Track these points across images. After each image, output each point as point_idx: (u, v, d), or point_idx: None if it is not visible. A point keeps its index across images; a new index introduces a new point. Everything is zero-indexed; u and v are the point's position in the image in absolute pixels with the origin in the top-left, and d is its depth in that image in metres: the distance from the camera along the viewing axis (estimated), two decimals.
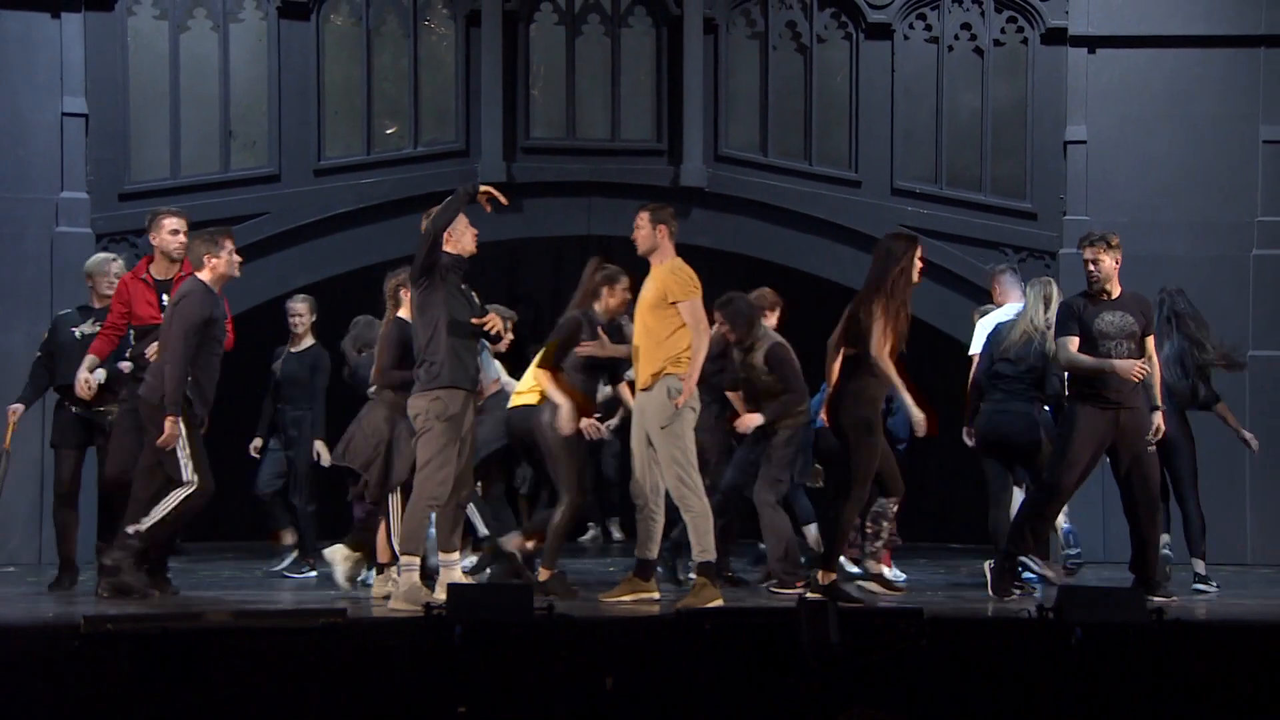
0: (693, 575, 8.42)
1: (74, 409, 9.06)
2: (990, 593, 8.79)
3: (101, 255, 9.61)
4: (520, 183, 11.64)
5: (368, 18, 11.81)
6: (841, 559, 9.01)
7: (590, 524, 12.60)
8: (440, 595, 7.50)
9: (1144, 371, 8.46)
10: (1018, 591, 8.81)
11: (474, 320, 8.13)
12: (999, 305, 9.97)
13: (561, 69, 11.92)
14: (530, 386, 9.19)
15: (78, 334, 9.14)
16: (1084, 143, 11.95)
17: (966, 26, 12.10)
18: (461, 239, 8.21)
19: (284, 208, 11.55)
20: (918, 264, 8.50)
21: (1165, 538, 9.42)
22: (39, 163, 11.20)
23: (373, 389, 9.64)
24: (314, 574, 9.99)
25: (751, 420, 9.08)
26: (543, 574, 8.69)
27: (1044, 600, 7.80)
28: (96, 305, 9.22)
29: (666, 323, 8.27)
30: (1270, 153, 11.86)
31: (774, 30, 12.04)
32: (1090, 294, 8.67)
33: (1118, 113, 11.97)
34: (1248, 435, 9.81)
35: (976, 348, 9.74)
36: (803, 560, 9.25)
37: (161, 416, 8.26)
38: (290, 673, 6.54)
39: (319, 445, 10.09)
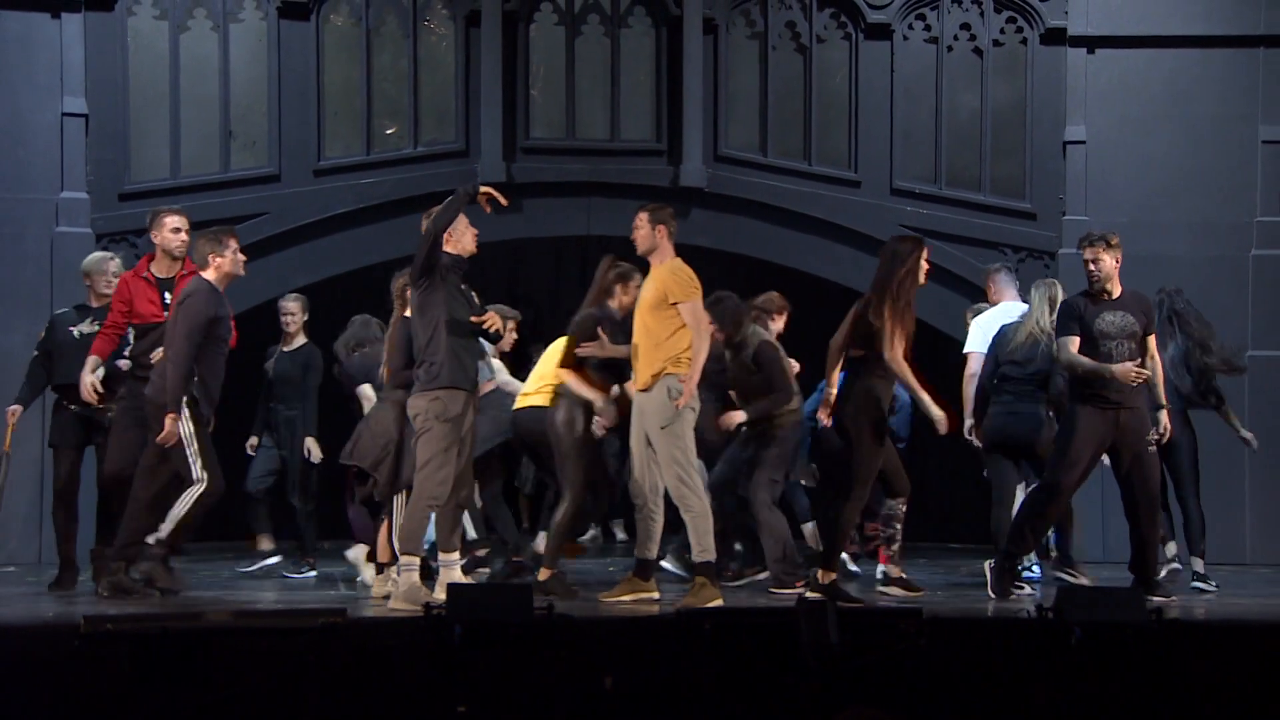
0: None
1: (73, 408, 9.05)
2: (990, 592, 8.80)
3: (99, 254, 9.58)
4: (520, 183, 11.64)
5: (367, 18, 11.82)
6: (844, 556, 9.03)
7: (590, 524, 12.61)
8: (440, 595, 7.51)
9: (1142, 376, 8.46)
10: (1018, 591, 8.82)
11: (473, 319, 8.13)
12: (993, 304, 9.98)
13: (561, 69, 11.93)
14: (539, 387, 9.22)
15: (76, 333, 9.12)
16: (1083, 143, 11.96)
17: (966, 27, 12.11)
18: (462, 239, 8.22)
19: (284, 208, 11.56)
20: (924, 265, 8.50)
21: (1172, 547, 9.42)
22: (39, 163, 11.20)
23: (363, 387, 9.67)
24: (314, 574, 9.99)
25: (734, 418, 9.08)
26: (543, 573, 8.70)
27: (1043, 600, 7.80)
28: (94, 304, 9.20)
29: (667, 323, 8.28)
30: (1269, 153, 11.87)
31: (773, 30, 12.05)
32: (1091, 294, 8.67)
33: (1117, 113, 11.97)
34: (1248, 435, 9.81)
35: (971, 346, 9.76)
36: (801, 559, 9.24)
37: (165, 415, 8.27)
38: (290, 673, 6.54)
39: (310, 442, 10.11)
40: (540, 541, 9.32)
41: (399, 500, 8.54)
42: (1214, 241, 11.82)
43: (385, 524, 8.72)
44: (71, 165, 11.23)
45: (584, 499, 8.86)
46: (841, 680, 6.61)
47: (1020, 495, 9.43)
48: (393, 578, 8.33)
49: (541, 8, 11.89)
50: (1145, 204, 11.86)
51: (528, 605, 6.86)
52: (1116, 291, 8.65)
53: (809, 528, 10.01)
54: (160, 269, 8.82)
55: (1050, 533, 9.33)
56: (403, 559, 8.06)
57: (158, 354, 8.54)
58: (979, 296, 10.83)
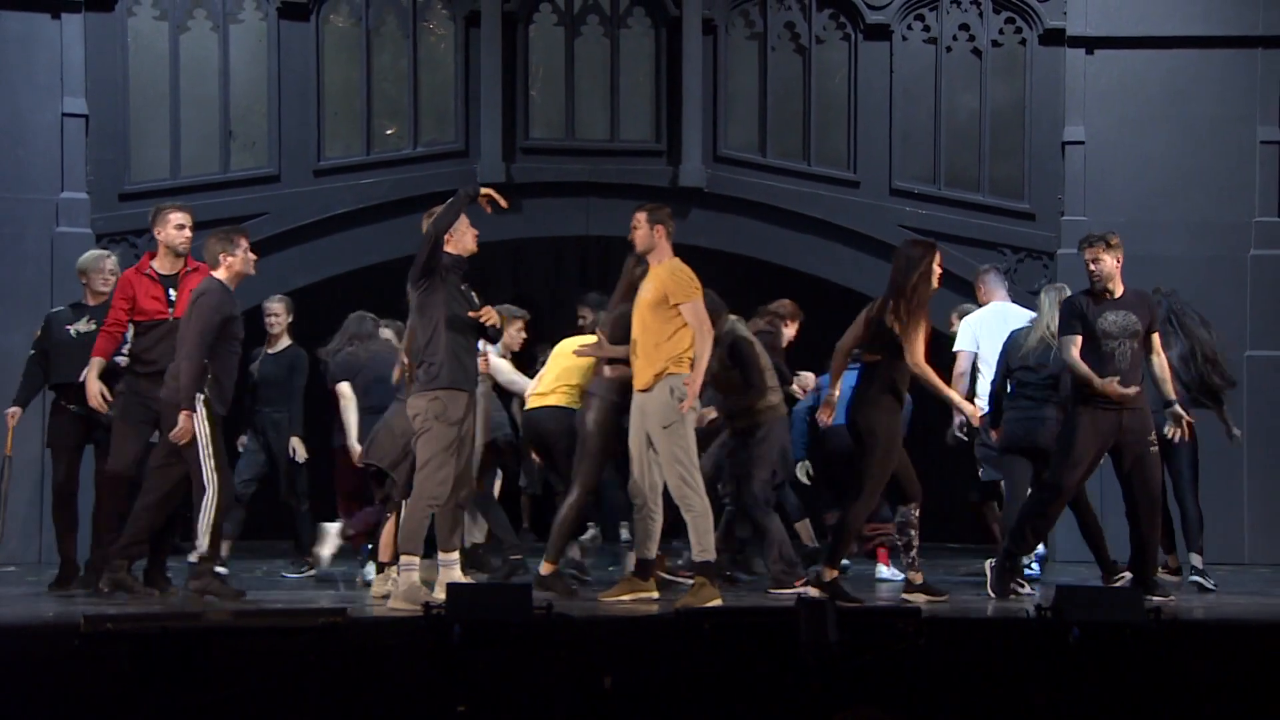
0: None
1: (71, 408, 9.01)
2: (990, 591, 8.81)
3: (95, 252, 9.52)
4: (519, 183, 11.66)
5: (367, 18, 11.83)
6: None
7: (590, 524, 12.61)
8: (439, 595, 7.52)
9: (1125, 396, 8.47)
10: (1019, 589, 8.82)
11: (470, 314, 8.12)
12: (983, 304, 9.99)
13: (561, 70, 11.94)
14: (555, 387, 9.25)
15: (73, 332, 9.08)
16: (1082, 143, 11.98)
17: (965, 27, 12.12)
18: (462, 239, 8.23)
19: (283, 208, 11.57)
20: (937, 270, 8.50)
21: (1197, 559, 9.40)
22: (39, 163, 11.22)
23: (341, 385, 9.64)
24: (313, 573, 9.99)
25: (705, 415, 9.10)
26: (545, 568, 8.71)
27: (1042, 600, 7.81)
28: (91, 302, 9.15)
29: (668, 323, 8.29)
30: (1267, 153, 11.89)
31: (773, 31, 12.06)
32: (1093, 293, 8.67)
33: (1115, 113, 11.98)
34: (1236, 433, 9.78)
35: (960, 345, 9.80)
36: (797, 558, 9.25)
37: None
38: (290, 672, 6.54)
39: (295, 442, 10.10)
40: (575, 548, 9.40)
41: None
42: (1212, 242, 11.84)
43: (390, 523, 8.72)
44: (71, 165, 11.24)
45: (590, 498, 8.88)
46: (841, 680, 6.62)
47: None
48: (393, 578, 8.34)
49: (541, 8, 11.90)
50: (1144, 204, 11.87)
51: (527, 605, 6.87)
52: (1119, 291, 8.65)
53: (803, 525, 10.02)
54: (163, 266, 8.77)
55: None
56: (403, 559, 8.06)
57: (159, 350, 8.54)
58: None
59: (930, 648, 6.85)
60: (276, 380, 10.20)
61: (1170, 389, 8.79)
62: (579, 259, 13.71)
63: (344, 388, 9.69)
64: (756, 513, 9.01)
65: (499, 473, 10.07)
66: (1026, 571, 9.18)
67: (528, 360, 10.37)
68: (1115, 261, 8.63)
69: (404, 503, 8.44)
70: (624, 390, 8.57)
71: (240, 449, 10.38)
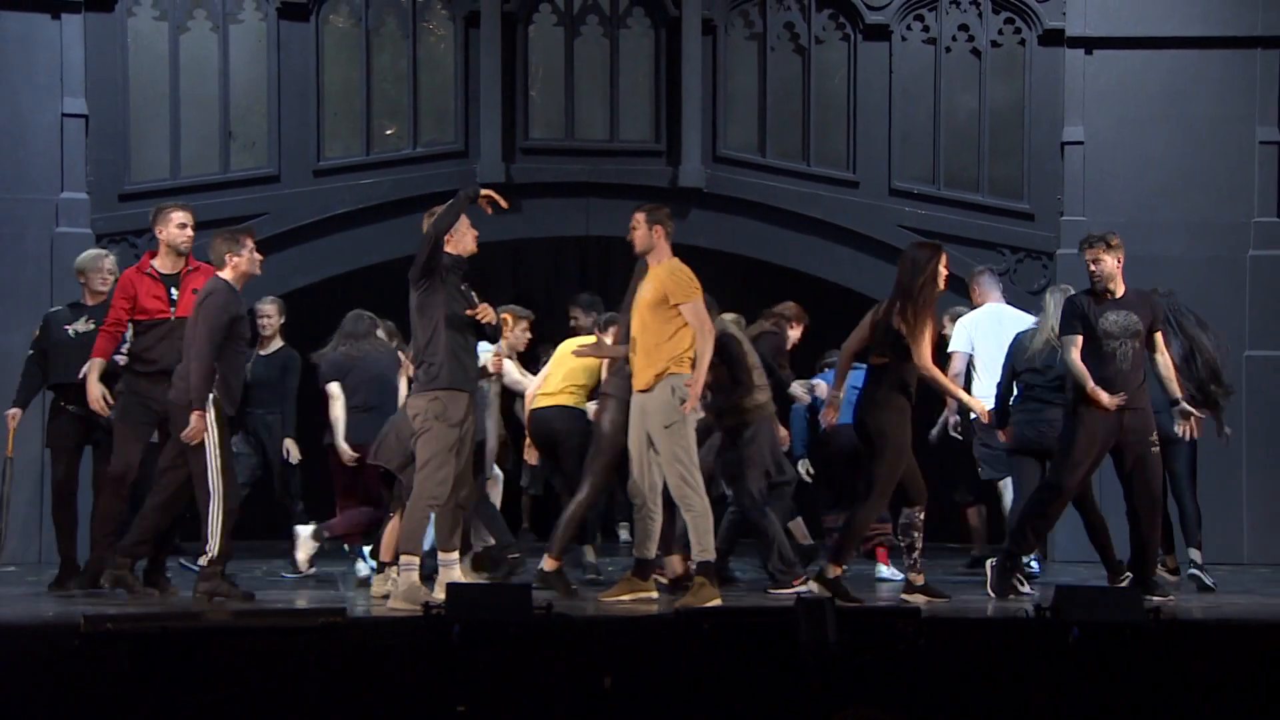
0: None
1: (70, 408, 9.01)
2: (990, 590, 8.81)
3: (93, 251, 9.50)
4: (519, 183, 11.66)
5: (367, 19, 11.83)
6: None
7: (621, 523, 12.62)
8: (439, 595, 7.52)
9: (1115, 403, 8.47)
10: (1019, 589, 8.83)
11: (467, 312, 8.12)
12: (977, 306, 9.98)
13: (560, 70, 11.94)
14: (564, 387, 9.27)
15: (71, 332, 9.07)
16: (1081, 143, 11.97)
17: (964, 28, 12.13)
18: (463, 240, 8.23)
19: (283, 208, 11.57)
20: (943, 271, 8.51)
21: (1196, 554, 9.42)
22: (39, 163, 11.22)
23: (330, 385, 9.63)
24: (313, 570, 9.96)
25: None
26: (549, 563, 8.73)
27: (1042, 600, 7.82)
28: (89, 302, 9.14)
29: (668, 323, 8.30)
30: (1266, 154, 11.89)
31: (772, 31, 12.06)
32: (1095, 293, 8.68)
33: (1115, 114, 11.99)
34: (1228, 431, 9.77)
35: (955, 346, 9.81)
36: (794, 558, 9.26)
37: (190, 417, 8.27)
38: (290, 672, 6.55)
39: (289, 443, 10.09)
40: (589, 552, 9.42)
41: None
42: (1211, 242, 11.84)
43: (393, 523, 8.72)
44: (71, 165, 11.24)
45: (601, 497, 8.95)
46: (840, 680, 6.62)
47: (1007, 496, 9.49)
48: (392, 577, 8.34)
49: (540, 9, 11.90)
50: (1143, 204, 11.87)
51: (527, 605, 6.88)
52: (1120, 291, 8.65)
53: (796, 524, 10.03)
54: (165, 265, 8.74)
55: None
56: (403, 559, 8.06)
57: (160, 350, 8.53)
58: None
59: (930, 648, 6.86)
60: (269, 382, 10.17)
61: (1176, 387, 8.78)
62: (579, 259, 13.71)
63: (333, 388, 9.69)
64: (753, 514, 9.01)
65: (498, 473, 10.07)
66: (1029, 570, 9.18)
67: (530, 360, 10.37)
68: (1116, 262, 8.63)
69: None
70: None
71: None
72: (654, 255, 8.45)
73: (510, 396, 10.40)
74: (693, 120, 11.79)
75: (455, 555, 8.25)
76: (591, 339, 9.76)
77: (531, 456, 9.93)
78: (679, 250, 8.58)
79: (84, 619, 6.58)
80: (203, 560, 8.34)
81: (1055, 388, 9.15)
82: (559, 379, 9.40)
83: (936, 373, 8.49)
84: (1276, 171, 11.90)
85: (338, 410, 9.65)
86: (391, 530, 8.70)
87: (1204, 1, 12.02)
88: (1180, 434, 8.86)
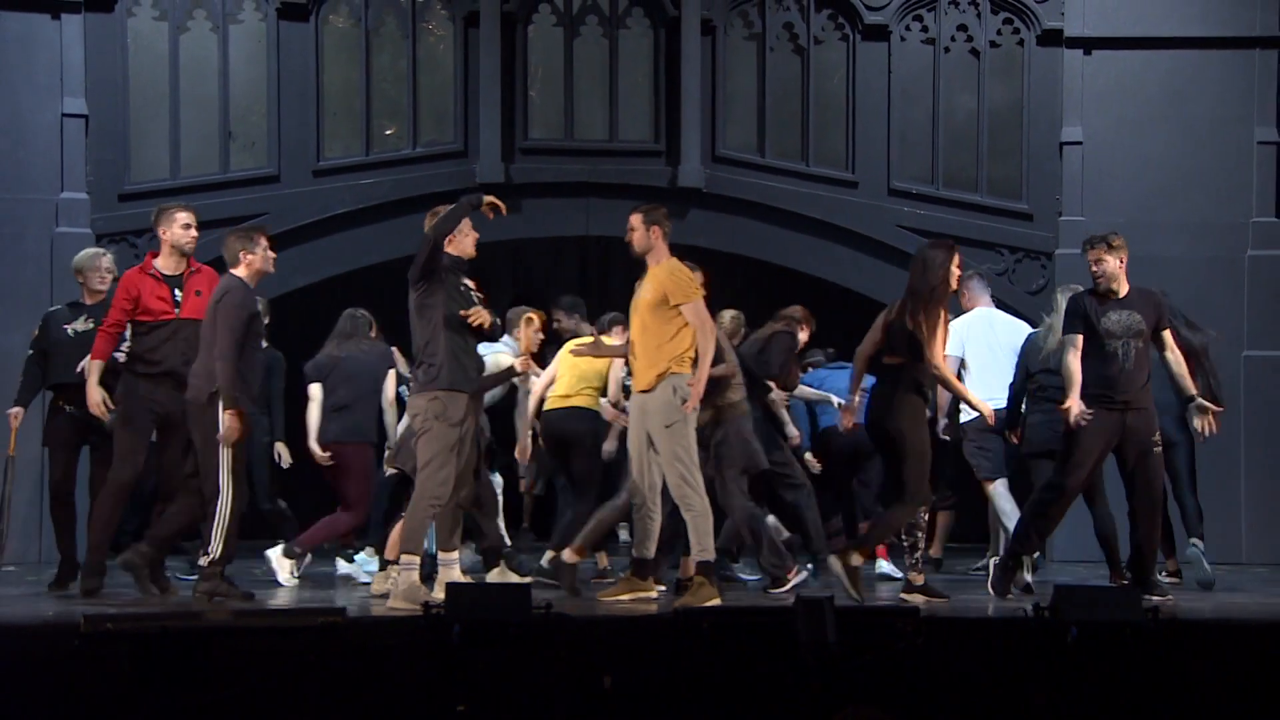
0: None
1: (68, 408, 9.00)
2: (990, 589, 8.82)
3: (91, 250, 9.47)
4: (518, 183, 11.67)
5: (366, 19, 11.84)
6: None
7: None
8: (439, 594, 7.53)
9: (1076, 421, 8.48)
10: (1022, 586, 8.85)
11: (460, 314, 8.13)
12: (967, 310, 9.98)
13: (560, 70, 11.95)
14: (579, 389, 9.28)
15: (70, 331, 9.06)
16: (1080, 144, 11.99)
17: (963, 28, 12.14)
18: (463, 242, 8.25)
19: (283, 208, 11.57)
20: (955, 271, 8.52)
21: (1199, 544, 9.43)
22: (39, 163, 11.23)
23: (311, 386, 9.57)
24: (308, 561, 9.92)
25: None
26: (570, 555, 8.79)
27: (1040, 599, 7.83)
28: (88, 301, 9.12)
29: (668, 324, 8.30)
30: (1265, 154, 11.90)
31: (771, 32, 12.07)
32: (1097, 293, 8.68)
33: (1113, 114, 12.00)
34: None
35: (947, 350, 9.78)
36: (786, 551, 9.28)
37: (208, 416, 8.26)
38: (290, 672, 6.55)
39: (280, 447, 10.07)
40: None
41: None
42: (1210, 242, 11.85)
43: (400, 524, 8.72)
44: (71, 165, 11.25)
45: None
46: (840, 679, 6.63)
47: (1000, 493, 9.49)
48: (392, 576, 8.35)
49: (540, 9, 11.91)
50: (1142, 205, 11.88)
51: (526, 605, 6.88)
52: (1123, 290, 8.63)
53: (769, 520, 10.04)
54: (167, 266, 8.70)
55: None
56: (403, 558, 8.07)
57: (164, 351, 8.53)
58: None
59: (929, 647, 6.86)
60: None
61: (1190, 384, 8.73)
62: (578, 259, 13.72)
63: (313, 389, 9.70)
64: (739, 514, 9.00)
65: (497, 478, 10.06)
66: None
67: (537, 360, 10.37)
68: (1119, 262, 8.62)
69: None
70: None
71: None
72: (653, 256, 8.44)
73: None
74: (692, 120, 11.80)
75: (455, 555, 8.27)
76: (590, 339, 9.77)
77: (524, 455, 9.88)
78: (677, 250, 8.59)
79: (84, 619, 6.58)
80: (204, 560, 8.34)
81: None
82: (572, 381, 9.40)
83: (948, 373, 8.51)
84: (1275, 172, 11.92)
85: (313, 412, 9.67)
86: (398, 530, 8.71)
87: (1203, 2, 12.03)
88: (1198, 429, 8.83)
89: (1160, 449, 8.71)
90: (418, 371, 8.16)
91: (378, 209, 11.66)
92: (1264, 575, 10.68)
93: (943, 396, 9.55)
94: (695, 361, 8.30)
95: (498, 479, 9.88)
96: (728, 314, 9.74)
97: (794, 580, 8.84)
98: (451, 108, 11.87)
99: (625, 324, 8.93)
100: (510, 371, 9.09)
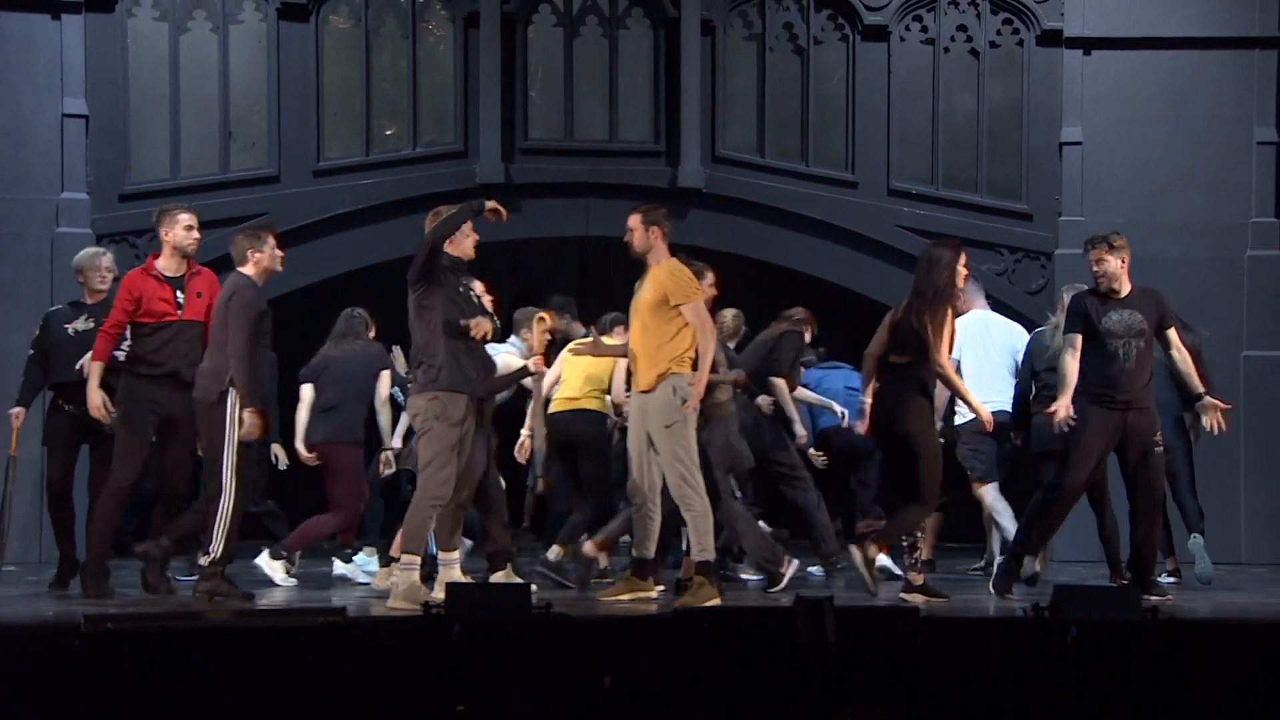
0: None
1: (68, 408, 8.99)
2: (990, 588, 8.83)
3: (91, 250, 9.45)
4: (518, 184, 11.68)
5: (366, 19, 11.85)
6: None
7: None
8: (439, 594, 7.54)
9: (1066, 427, 8.48)
10: (1028, 577, 8.86)
11: (460, 322, 8.12)
12: (963, 312, 9.97)
13: (559, 70, 11.96)
14: (587, 391, 9.28)
15: (71, 331, 9.04)
16: (1079, 144, 11.99)
17: (962, 28, 12.14)
18: (462, 243, 8.25)
19: (283, 209, 11.56)
20: (962, 270, 8.52)
21: (1199, 539, 9.44)
22: (39, 163, 11.23)
23: (303, 387, 9.56)
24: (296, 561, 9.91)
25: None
26: (590, 547, 8.96)
27: (1040, 599, 7.83)
28: (89, 301, 9.11)
29: (668, 324, 8.31)
30: (1264, 154, 11.91)
31: (771, 32, 12.08)
32: (1099, 293, 8.68)
33: (1113, 114, 12.00)
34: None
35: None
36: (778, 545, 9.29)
37: (216, 416, 8.25)
38: (290, 672, 6.56)
39: (276, 448, 10.07)
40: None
41: None
42: (1209, 242, 11.86)
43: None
44: (71, 166, 11.26)
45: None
46: (839, 679, 6.63)
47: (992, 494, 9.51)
48: (393, 575, 8.36)
49: (540, 9, 11.92)
50: (1141, 205, 11.89)
51: (526, 604, 6.88)
52: (1125, 290, 8.62)
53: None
54: (169, 267, 8.67)
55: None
56: (404, 558, 8.07)
57: (167, 352, 8.53)
58: None
59: (929, 647, 6.86)
60: None
61: (1197, 382, 8.71)
62: (578, 259, 13.73)
63: (303, 390, 9.70)
64: (727, 514, 8.98)
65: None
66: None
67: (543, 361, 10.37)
68: (1120, 262, 8.60)
69: None
70: None
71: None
72: (652, 256, 8.44)
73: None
74: (692, 121, 11.81)
75: (455, 555, 8.27)
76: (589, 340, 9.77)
77: (523, 455, 9.87)
78: (677, 250, 8.59)
79: (84, 619, 6.58)
80: (204, 560, 8.34)
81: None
82: (580, 383, 9.40)
83: (951, 373, 8.50)
84: (1274, 172, 11.93)
85: (301, 413, 9.67)
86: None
87: (1202, 2, 12.04)
88: (1206, 427, 8.82)
89: (1161, 449, 8.71)
90: (417, 372, 8.16)
91: (378, 209, 11.67)
92: (1264, 575, 10.69)
93: (940, 398, 9.55)
94: (695, 362, 8.30)
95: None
96: (728, 314, 9.76)
97: (788, 572, 8.86)
98: (451, 108, 11.87)
99: (626, 324, 8.92)
100: (523, 371, 9.10)
